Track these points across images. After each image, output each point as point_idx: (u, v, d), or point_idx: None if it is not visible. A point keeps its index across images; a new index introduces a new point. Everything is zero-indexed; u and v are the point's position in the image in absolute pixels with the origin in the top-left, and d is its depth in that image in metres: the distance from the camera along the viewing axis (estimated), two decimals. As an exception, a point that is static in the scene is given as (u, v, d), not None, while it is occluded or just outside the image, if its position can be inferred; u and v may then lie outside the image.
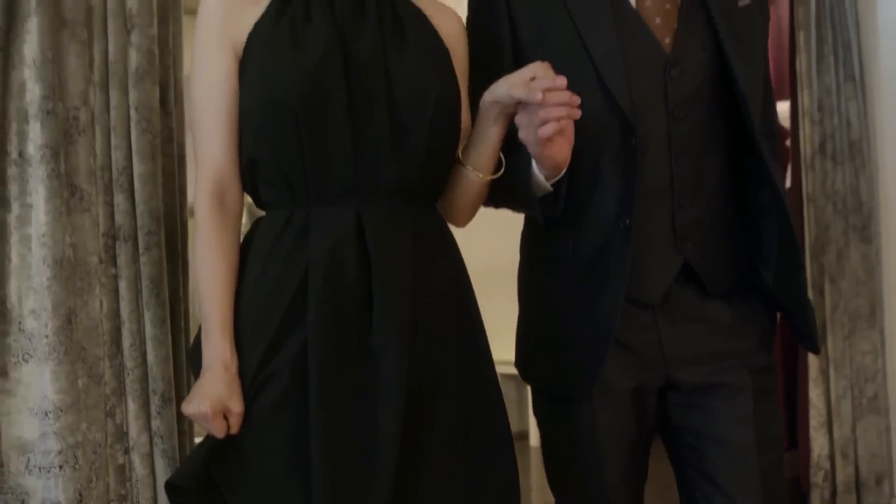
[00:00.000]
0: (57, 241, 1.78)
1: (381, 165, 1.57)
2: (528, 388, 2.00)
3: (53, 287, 1.77)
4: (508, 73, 1.68)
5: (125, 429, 1.88)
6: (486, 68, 1.75)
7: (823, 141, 3.93)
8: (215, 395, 1.52)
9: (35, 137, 1.77)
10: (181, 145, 2.04)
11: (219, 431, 1.53)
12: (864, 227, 3.98)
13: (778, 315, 1.90)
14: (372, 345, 1.55)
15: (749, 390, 1.77)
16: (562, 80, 1.50)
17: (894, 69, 4.21)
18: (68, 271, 1.79)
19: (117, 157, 1.88)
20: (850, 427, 3.93)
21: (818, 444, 3.93)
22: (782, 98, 4.01)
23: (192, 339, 2.02)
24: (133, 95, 1.90)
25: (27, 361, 1.78)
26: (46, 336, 1.77)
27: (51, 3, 1.80)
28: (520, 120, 1.57)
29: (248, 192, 1.67)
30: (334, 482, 1.50)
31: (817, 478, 3.95)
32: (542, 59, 1.63)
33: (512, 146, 1.67)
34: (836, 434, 3.92)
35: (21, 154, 1.78)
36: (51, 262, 1.77)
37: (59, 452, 1.76)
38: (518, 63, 1.72)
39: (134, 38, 1.91)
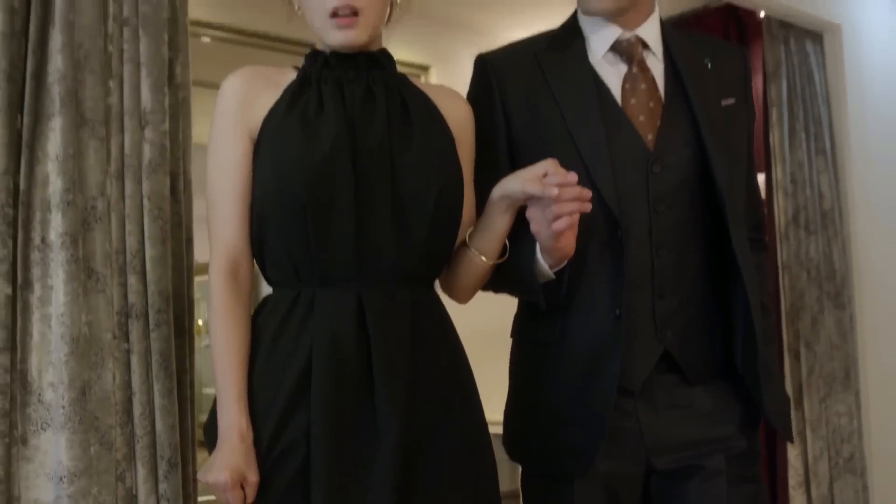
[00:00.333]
0: (74, 319, 1.95)
1: (382, 252, 1.62)
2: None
3: (70, 362, 1.93)
4: (503, 162, 1.79)
5: (135, 492, 2.03)
6: (482, 157, 1.83)
7: (797, 212, 4.11)
8: (233, 466, 1.56)
9: (56, 226, 1.95)
10: (189, 229, 2.21)
11: (237, 501, 1.57)
12: (838, 294, 4.15)
13: None
14: (372, 424, 1.59)
15: (724, 475, 1.78)
16: (573, 177, 1.56)
17: (863, 143, 4.43)
18: (84, 347, 1.96)
19: (131, 242, 2.06)
20: (828, 486, 4.06)
21: (797, 503, 4.06)
22: (758, 171, 4.20)
23: (196, 409, 2.19)
24: (146, 186, 2.09)
25: (45, 430, 1.93)
26: (63, 407, 1.93)
27: (73, 104, 2.00)
28: (531, 214, 1.62)
29: (259, 268, 1.73)
30: None
31: (797, 536, 4.07)
32: (533, 151, 1.72)
33: (516, 234, 1.72)
34: (813, 493, 4.04)
35: (44, 240, 1.96)
36: (68, 339, 1.94)
37: (74, 515, 1.91)
38: (511, 153, 1.83)
39: (147, 133, 2.10)
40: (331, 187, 1.59)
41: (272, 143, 1.64)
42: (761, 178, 4.27)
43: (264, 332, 1.65)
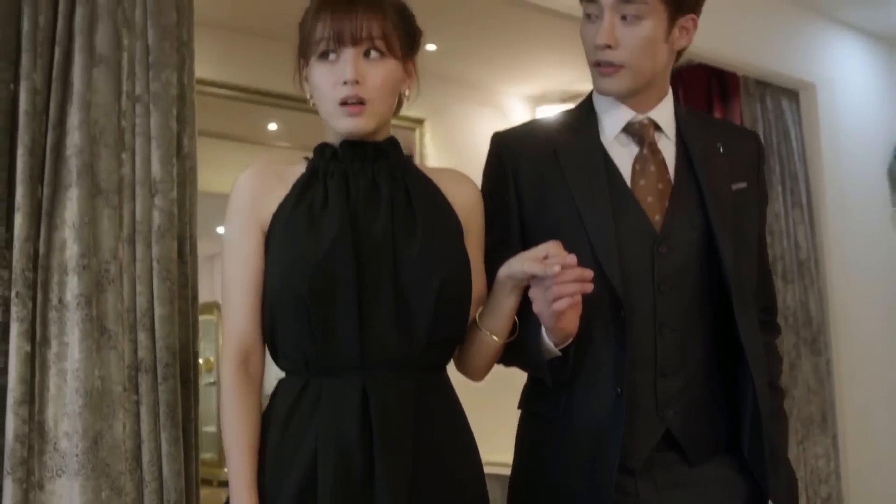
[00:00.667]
0: (88, 374, 2.12)
1: (386, 343, 1.64)
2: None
3: (84, 413, 2.10)
4: (515, 240, 1.83)
5: (142, 534, 2.19)
6: (495, 234, 1.85)
7: (774, 261, 4.27)
8: None
9: (73, 287, 2.13)
10: (194, 288, 2.38)
11: None
12: (814, 340, 4.31)
13: None
14: None
15: None
16: (572, 259, 1.57)
17: (838, 196, 4.63)
18: (97, 399, 2.13)
19: (141, 301, 2.23)
20: (807, 527, 4.21)
21: (777, 542, 4.19)
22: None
23: (200, 455, 2.35)
24: (155, 250, 2.26)
25: (60, 476, 2.09)
26: (77, 455, 2.09)
27: (89, 175, 2.18)
28: (533, 294, 1.63)
29: (270, 356, 1.77)
30: None
31: (777, 576, 4.19)
32: (543, 229, 1.76)
33: (523, 312, 1.73)
34: (793, 533, 4.17)
35: (61, 301, 2.14)
36: (83, 392, 2.10)
37: (86, 556, 2.07)
38: (523, 231, 1.86)
39: (157, 201, 2.28)
40: (333, 283, 1.62)
41: (280, 239, 1.69)
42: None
43: (275, 418, 1.69)
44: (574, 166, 1.82)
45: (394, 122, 1.86)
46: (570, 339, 1.69)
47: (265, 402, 1.79)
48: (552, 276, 1.57)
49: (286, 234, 1.69)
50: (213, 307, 7.30)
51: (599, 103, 1.90)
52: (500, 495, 2.03)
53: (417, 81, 1.82)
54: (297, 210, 1.69)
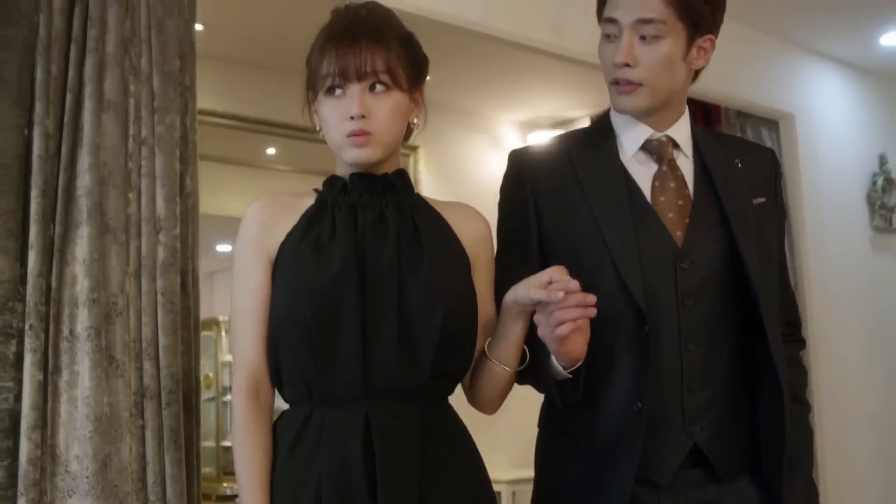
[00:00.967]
0: (97, 401, 2.27)
1: (389, 373, 1.63)
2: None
3: (94, 438, 2.25)
4: (533, 257, 1.82)
5: (147, 551, 2.34)
6: (513, 251, 1.86)
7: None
8: None
9: (83, 320, 2.28)
10: (196, 318, 2.53)
11: None
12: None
13: None
14: None
15: None
16: (575, 284, 1.57)
17: (817, 221, 4.80)
18: (106, 424, 2.27)
19: (146, 332, 2.38)
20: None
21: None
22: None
23: (201, 476, 2.50)
24: (160, 283, 2.41)
25: (71, 497, 2.24)
26: (87, 477, 2.24)
27: (98, 214, 2.34)
28: (538, 319, 1.63)
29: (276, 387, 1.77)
30: None
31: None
32: (563, 247, 1.77)
33: (532, 336, 1.72)
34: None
35: (71, 332, 2.29)
36: (92, 418, 2.25)
37: (96, 571, 2.22)
38: (542, 249, 1.85)
39: (161, 237, 2.44)
40: (336, 311, 1.62)
41: (286, 268, 1.69)
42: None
43: (279, 448, 1.70)
44: (594, 184, 1.83)
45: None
46: (580, 363, 1.68)
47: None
48: (556, 301, 1.57)
49: (292, 263, 1.69)
50: (212, 324, 7.45)
51: (617, 122, 1.90)
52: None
53: (425, 110, 1.83)
54: (304, 240, 1.70)
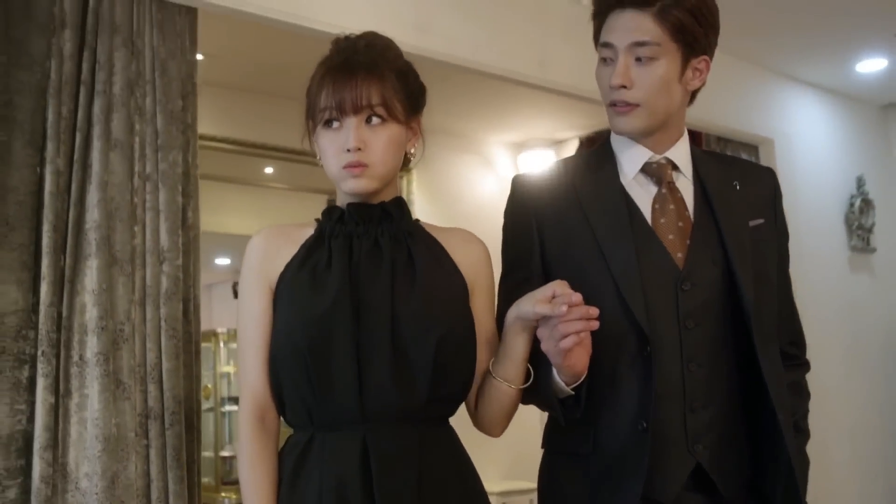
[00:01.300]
0: (106, 422, 2.42)
1: (384, 397, 1.65)
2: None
3: (103, 456, 2.41)
4: (536, 280, 1.83)
5: (152, 562, 2.49)
6: (517, 273, 1.88)
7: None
8: None
9: (92, 346, 2.44)
10: (197, 343, 2.69)
11: None
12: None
13: None
14: None
15: None
16: (578, 297, 1.58)
17: (794, 242, 4.84)
18: (113, 444, 2.43)
19: (150, 357, 2.54)
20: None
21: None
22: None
23: (202, 492, 2.66)
24: (163, 311, 2.58)
25: (80, 512, 2.40)
26: (96, 493, 2.40)
27: (106, 247, 2.49)
28: (541, 333, 1.63)
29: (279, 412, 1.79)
30: None
31: None
32: (566, 269, 1.77)
33: (534, 354, 1.72)
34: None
35: (81, 358, 2.45)
36: (101, 438, 2.41)
37: (104, 582, 2.38)
38: (545, 271, 1.86)
39: (165, 268, 2.60)
40: (331, 339, 1.65)
41: (284, 298, 1.73)
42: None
43: (284, 472, 1.72)
44: (595, 207, 1.84)
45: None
46: (582, 379, 1.69)
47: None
48: (559, 315, 1.58)
49: (290, 292, 1.72)
50: (211, 335, 7.56)
51: (617, 144, 1.92)
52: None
53: (422, 139, 1.84)
54: (302, 270, 1.73)
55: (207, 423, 8.45)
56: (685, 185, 1.88)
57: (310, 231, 1.80)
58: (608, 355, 1.72)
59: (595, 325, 1.59)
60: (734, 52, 4.75)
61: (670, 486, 1.76)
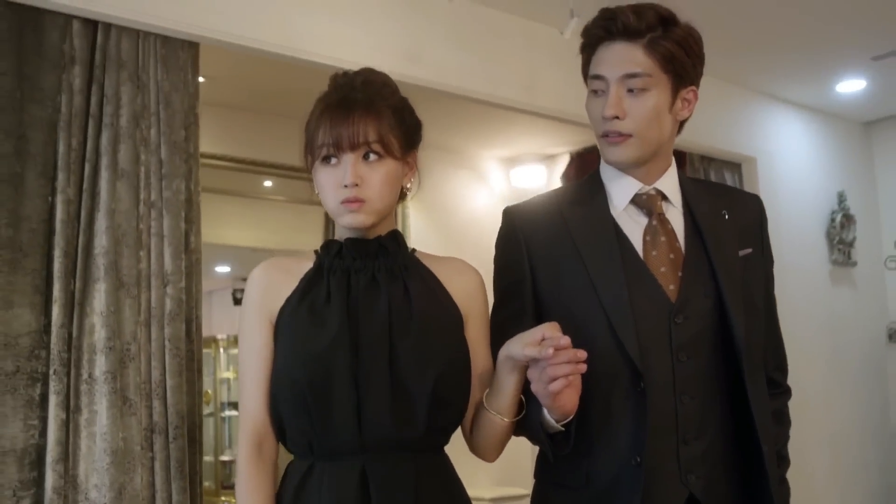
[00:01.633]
0: (113, 436, 2.57)
1: (382, 430, 1.67)
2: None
3: (111, 469, 2.56)
4: (529, 313, 1.85)
5: (157, 569, 2.64)
6: (509, 306, 1.89)
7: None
8: None
9: (100, 365, 2.60)
10: (199, 361, 2.84)
11: None
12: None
13: None
14: None
15: None
16: (566, 340, 1.57)
17: (777, 261, 5.01)
18: (120, 457, 2.58)
19: (155, 375, 2.69)
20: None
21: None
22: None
23: (204, 502, 2.80)
24: (167, 331, 2.73)
25: (89, 521, 2.55)
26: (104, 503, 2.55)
27: (113, 271, 2.65)
28: (531, 375, 1.64)
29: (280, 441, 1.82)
30: None
31: None
32: (557, 303, 1.80)
33: (526, 388, 1.73)
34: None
35: (90, 376, 2.60)
36: (109, 452, 2.56)
37: (112, 587, 2.53)
38: (537, 305, 1.87)
39: (168, 290, 2.75)
40: (330, 374, 1.67)
41: (284, 332, 1.75)
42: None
43: (286, 494, 1.75)
44: (586, 239, 1.84)
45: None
46: (572, 416, 1.69)
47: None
48: (547, 358, 1.58)
49: (290, 327, 1.75)
50: (211, 341, 7.68)
51: (607, 175, 1.91)
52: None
53: (418, 173, 1.86)
54: (301, 304, 1.75)
55: (208, 429, 8.53)
56: (675, 216, 1.88)
57: (309, 264, 1.82)
58: (601, 390, 1.73)
59: (583, 368, 1.59)
60: (717, 72, 4.86)
61: None
